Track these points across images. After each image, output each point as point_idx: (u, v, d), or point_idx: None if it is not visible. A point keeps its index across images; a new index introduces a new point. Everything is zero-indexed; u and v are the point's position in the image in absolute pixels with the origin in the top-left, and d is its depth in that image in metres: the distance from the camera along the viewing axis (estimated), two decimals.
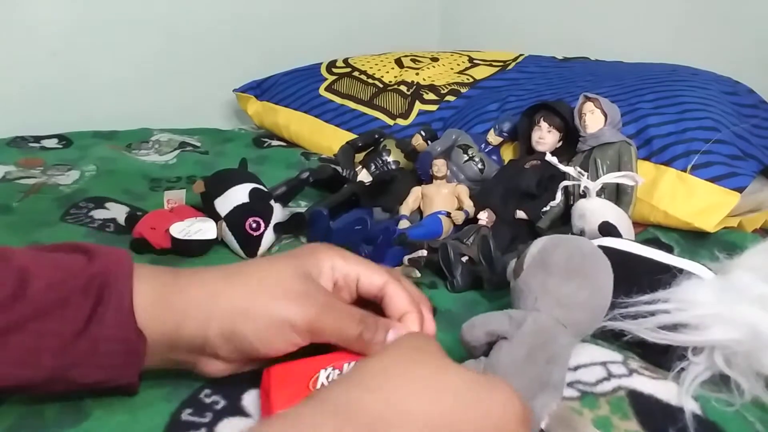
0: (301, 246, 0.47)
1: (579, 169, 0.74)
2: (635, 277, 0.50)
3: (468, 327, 0.47)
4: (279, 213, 0.78)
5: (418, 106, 1.22)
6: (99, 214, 0.84)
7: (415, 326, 0.44)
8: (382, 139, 1.02)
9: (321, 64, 1.40)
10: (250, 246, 0.74)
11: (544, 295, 0.47)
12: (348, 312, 0.42)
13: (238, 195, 0.77)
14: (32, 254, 0.40)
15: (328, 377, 0.40)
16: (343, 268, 0.45)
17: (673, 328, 0.46)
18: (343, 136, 1.16)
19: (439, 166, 0.83)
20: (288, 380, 0.40)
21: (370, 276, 0.45)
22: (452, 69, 1.33)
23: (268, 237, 0.75)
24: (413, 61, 1.37)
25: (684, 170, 0.81)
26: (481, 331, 0.46)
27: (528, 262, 0.50)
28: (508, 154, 0.99)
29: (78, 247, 0.42)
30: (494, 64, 1.31)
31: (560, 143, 0.87)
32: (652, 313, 0.47)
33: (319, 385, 0.39)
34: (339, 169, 0.95)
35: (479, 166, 0.90)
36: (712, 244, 0.74)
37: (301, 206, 0.90)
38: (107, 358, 0.39)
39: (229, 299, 0.41)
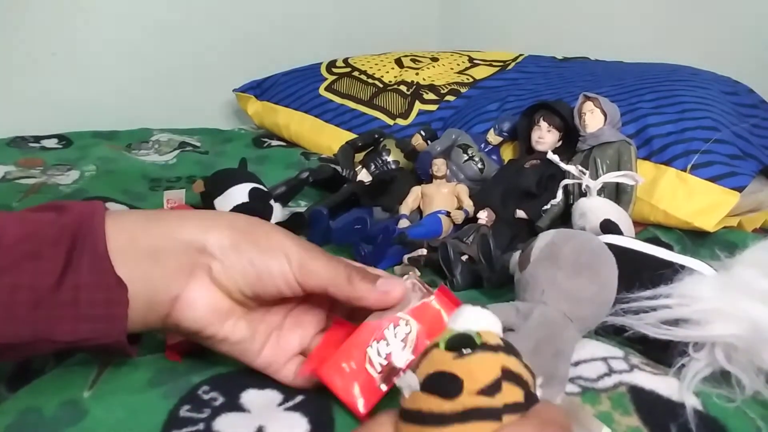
0: None
1: (580, 167, 0.74)
2: (637, 273, 0.50)
3: None
4: (279, 213, 0.78)
5: (417, 106, 1.22)
6: None
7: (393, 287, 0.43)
8: (381, 139, 1.02)
9: (321, 64, 1.40)
10: None
11: (551, 288, 0.47)
12: (337, 259, 0.42)
13: (237, 195, 0.77)
14: (3, 214, 0.39)
15: (379, 353, 0.39)
16: None
17: (675, 323, 0.46)
18: (343, 136, 1.16)
19: (439, 166, 0.83)
20: (342, 375, 0.39)
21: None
22: (452, 69, 1.33)
23: None
24: (413, 61, 1.37)
25: (684, 170, 0.81)
26: None
27: (535, 255, 0.50)
28: (507, 153, 0.99)
29: (50, 205, 0.41)
30: (494, 64, 1.31)
31: (560, 143, 0.87)
32: (654, 309, 0.47)
33: (377, 366, 0.39)
34: (339, 169, 0.96)
35: (479, 165, 0.90)
36: (712, 244, 0.74)
37: (301, 206, 0.90)
38: (88, 309, 0.37)
39: (230, 220, 0.42)
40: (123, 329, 0.39)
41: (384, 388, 0.39)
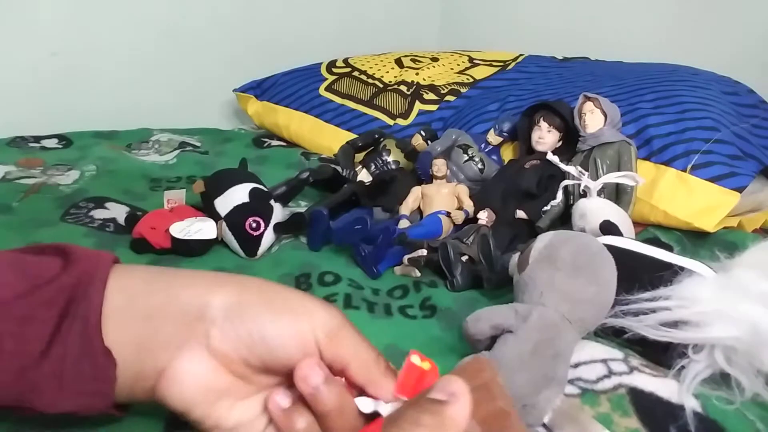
0: None
1: (580, 168, 0.74)
2: (636, 275, 0.50)
3: (473, 320, 0.47)
4: (279, 213, 0.78)
5: (418, 106, 1.22)
6: (99, 214, 0.84)
7: None
8: (382, 139, 1.02)
9: (321, 64, 1.40)
10: (250, 246, 0.74)
11: (550, 290, 0.47)
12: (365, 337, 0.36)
13: (238, 195, 0.77)
14: (5, 259, 0.35)
15: None
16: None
17: (674, 325, 0.46)
18: (343, 136, 1.16)
19: (439, 166, 0.83)
20: None
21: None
22: (452, 69, 1.33)
23: (268, 237, 0.75)
24: (413, 61, 1.37)
25: (684, 170, 0.81)
26: (487, 325, 0.46)
27: (534, 257, 0.50)
28: (508, 154, 0.99)
29: (60, 249, 0.37)
30: (494, 64, 1.31)
31: (560, 143, 0.87)
32: (653, 311, 0.47)
33: None
34: (339, 169, 0.96)
35: (479, 166, 0.90)
36: (712, 244, 0.74)
37: (301, 206, 0.90)
38: (72, 383, 0.33)
39: (240, 279, 0.36)
40: (108, 404, 0.35)
41: None
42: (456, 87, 1.24)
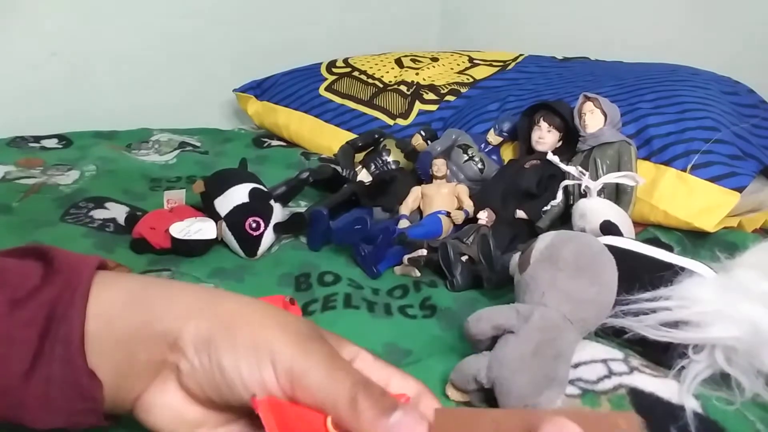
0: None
1: (580, 168, 0.74)
2: (637, 275, 0.50)
3: (474, 320, 0.47)
4: (279, 213, 0.78)
5: (418, 106, 1.22)
6: (99, 214, 0.84)
7: None
8: (382, 139, 1.02)
9: (321, 64, 1.40)
10: (249, 246, 0.74)
11: (551, 290, 0.47)
12: (348, 368, 0.32)
13: (238, 195, 0.77)
14: None
15: None
16: (374, 363, 0.36)
17: (675, 325, 0.46)
18: (343, 136, 1.16)
19: (439, 166, 0.83)
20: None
21: (405, 379, 0.35)
22: (452, 69, 1.33)
23: (268, 237, 0.75)
24: (413, 61, 1.37)
25: (684, 170, 0.81)
26: (488, 325, 0.46)
27: (535, 257, 0.50)
28: (508, 154, 0.99)
29: (44, 254, 0.36)
30: (494, 64, 1.31)
31: (560, 143, 0.87)
32: (654, 311, 0.47)
33: None
34: (339, 169, 0.96)
35: (479, 165, 0.90)
36: (712, 244, 0.74)
37: (301, 206, 0.90)
38: (59, 403, 0.33)
39: (217, 305, 0.35)
40: (98, 419, 0.35)
41: None
42: (456, 87, 1.24)
